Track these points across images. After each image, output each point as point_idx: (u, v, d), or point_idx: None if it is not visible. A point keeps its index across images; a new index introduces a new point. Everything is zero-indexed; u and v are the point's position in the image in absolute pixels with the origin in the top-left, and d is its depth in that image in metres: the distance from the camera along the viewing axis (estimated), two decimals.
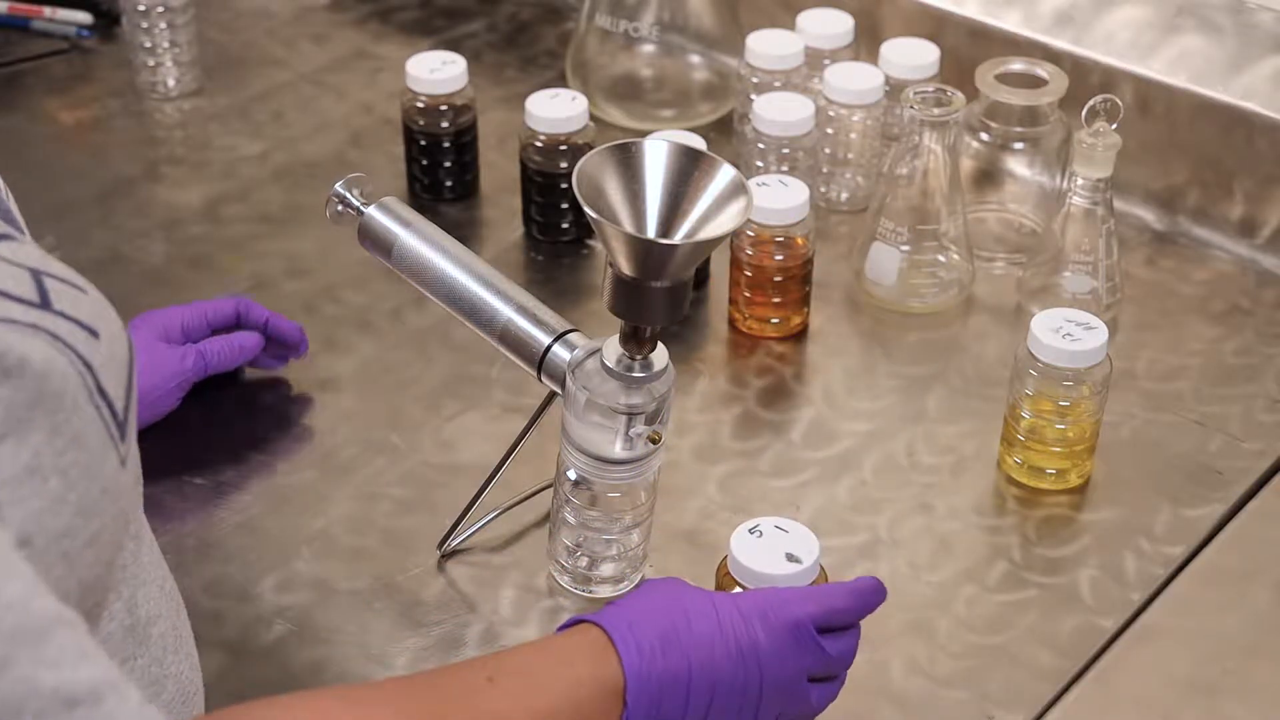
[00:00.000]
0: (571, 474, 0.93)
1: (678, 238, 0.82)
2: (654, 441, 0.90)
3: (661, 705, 0.75)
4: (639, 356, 0.87)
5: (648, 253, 0.82)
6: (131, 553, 0.69)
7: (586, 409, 0.89)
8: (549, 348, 0.91)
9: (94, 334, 0.59)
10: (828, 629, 0.80)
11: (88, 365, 0.58)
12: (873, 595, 0.82)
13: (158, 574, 0.72)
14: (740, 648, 0.77)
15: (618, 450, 0.90)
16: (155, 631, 0.69)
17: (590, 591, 0.97)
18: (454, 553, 1.00)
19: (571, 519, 0.95)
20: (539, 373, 0.92)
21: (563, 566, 0.97)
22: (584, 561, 0.96)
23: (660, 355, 0.88)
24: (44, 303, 0.58)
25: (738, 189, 0.83)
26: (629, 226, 0.82)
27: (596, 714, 0.74)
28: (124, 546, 0.62)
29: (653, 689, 0.75)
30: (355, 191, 0.98)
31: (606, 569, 0.97)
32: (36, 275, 0.59)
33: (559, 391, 0.92)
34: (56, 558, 0.56)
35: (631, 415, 0.88)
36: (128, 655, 0.67)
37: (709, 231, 0.82)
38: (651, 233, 0.82)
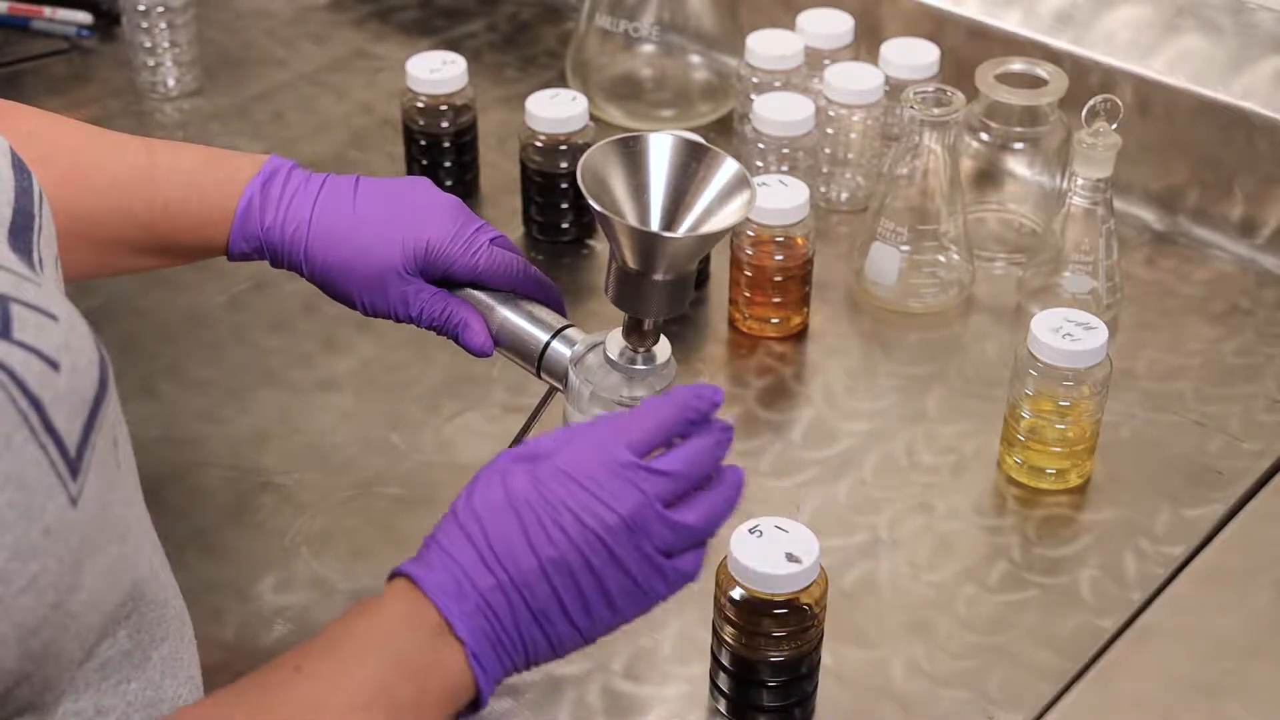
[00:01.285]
0: None
1: (681, 231, 0.83)
2: None
3: (502, 621, 0.70)
4: (642, 349, 0.87)
5: (651, 245, 0.82)
6: (147, 579, 0.68)
7: (590, 402, 0.89)
8: (548, 344, 0.91)
9: (53, 365, 0.57)
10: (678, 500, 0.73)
11: (35, 401, 0.56)
12: (695, 400, 0.75)
13: (171, 595, 0.72)
14: (551, 519, 0.70)
15: None
16: (156, 655, 0.68)
17: None
18: None
19: None
20: (538, 370, 0.92)
21: None
22: None
23: (663, 348, 0.88)
24: (3, 330, 0.57)
25: (741, 183, 0.83)
26: (632, 219, 0.82)
27: (427, 658, 0.69)
28: (79, 588, 0.60)
29: (482, 614, 0.70)
30: None
31: None
32: (4, 301, 0.58)
33: (559, 388, 0.92)
34: None
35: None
36: (121, 679, 0.66)
37: (712, 225, 0.83)
38: (655, 225, 0.83)
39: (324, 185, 0.93)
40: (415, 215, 0.91)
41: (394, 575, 0.72)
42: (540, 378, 0.93)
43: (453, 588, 0.70)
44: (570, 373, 0.89)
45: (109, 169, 0.91)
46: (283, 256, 0.92)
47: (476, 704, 0.71)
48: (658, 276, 0.83)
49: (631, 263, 0.83)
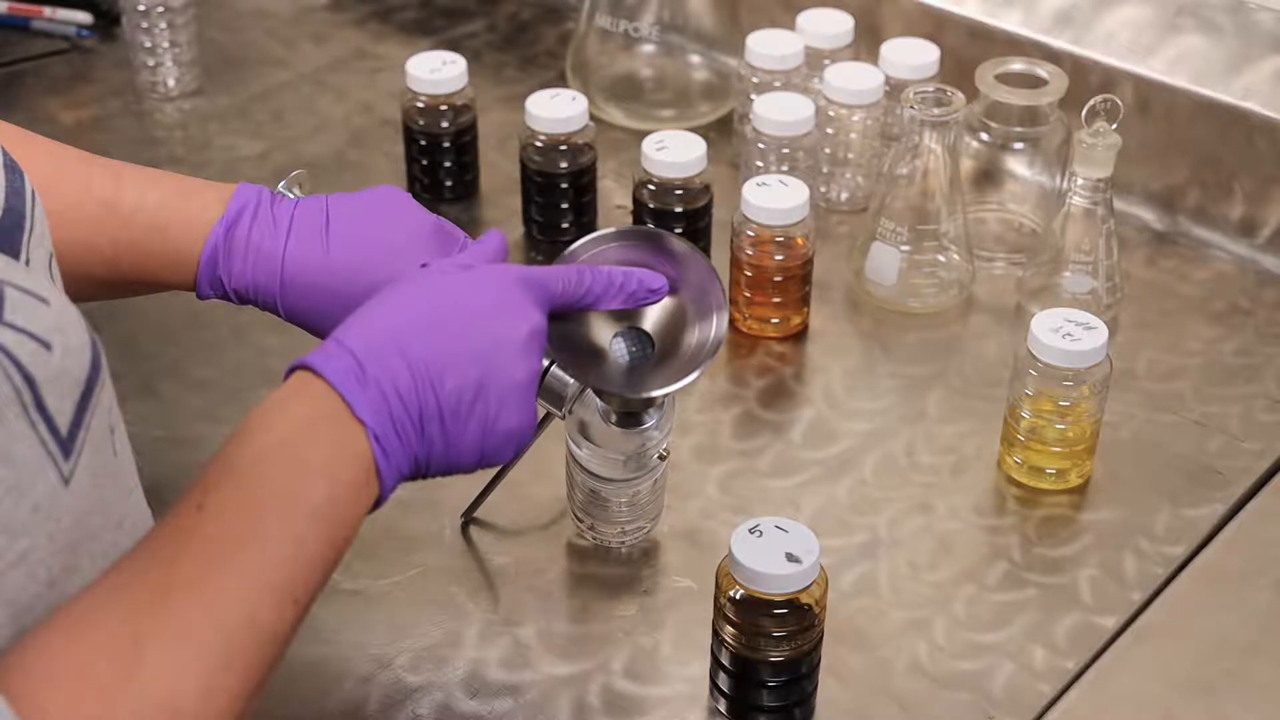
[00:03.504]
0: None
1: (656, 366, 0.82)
2: (661, 459, 0.91)
3: (407, 405, 0.72)
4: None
5: (629, 403, 0.81)
6: None
7: (590, 440, 0.89)
8: (547, 369, 0.87)
9: (46, 346, 0.58)
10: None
11: (28, 379, 0.57)
12: (634, 284, 0.82)
13: None
14: (469, 311, 0.76)
15: (623, 473, 0.91)
16: None
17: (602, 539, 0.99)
18: (455, 549, 1.00)
19: (579, 479, 0.96)
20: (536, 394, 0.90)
21: (578, 519, 1.00)
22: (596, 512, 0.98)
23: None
24: None
25: (709, 277, 0.82)
26: (610, 380, 0.81)
27: (328, 451, 0.70)
28: (76, 569, 0.60)
29: (384, 399, 0.72)
30: (297, 190, 0.94)
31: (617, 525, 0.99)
32: None
33: (557, 414, 0.89)
34: None
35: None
36: None
37: (690, 337, 0.82)
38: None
39: (292, 225, 0.88)
40: (392, 255, 0.88)
41: (291, 371, 0.73)
42: (539, 401, 0.90)
43: (351, 368, 0.71)
44: (570, 408, 0.89)
45: (76, 201, 0.88)
46: (255, 303, 0.90)
47: (379, 500, 0.73)
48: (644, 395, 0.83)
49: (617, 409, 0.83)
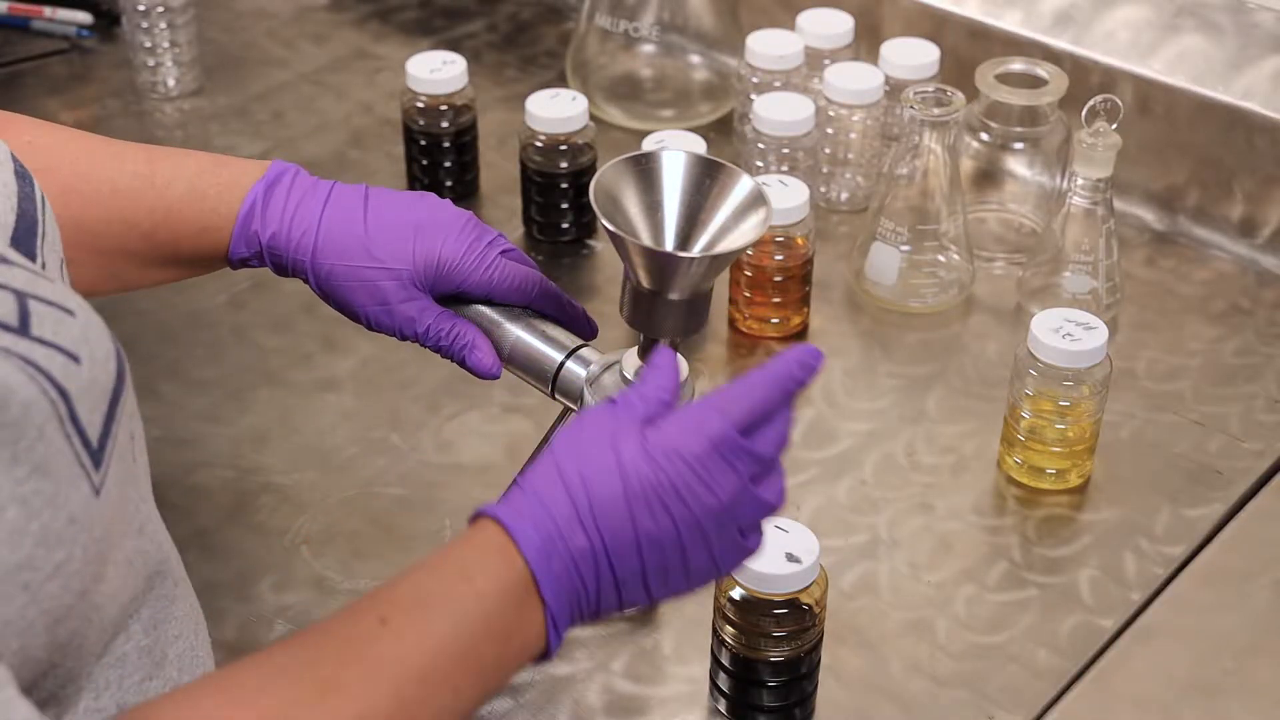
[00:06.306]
0: None
1: (695, 250, 0.82)
2: None
3: (586, 585, 0.71)
4: None
5: (665, 265, 0.81)
6: (162, 575, 0.69)
7: None
8: (562, 364, 0.89)
9: (74, 359, 0.58)
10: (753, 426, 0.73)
11: (62, 392, 0.57)
12: (799, 372, 0.73)
13: (183, 591, 0.72)
14: (659, 497, 0.70)
15: None
16: (173, 652, 0.69)
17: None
18: None
19: None
20: (551, 391, 0.90)
21: None
22: None
23: (681, 367, 0.87)
24: (22, 327, 0.57)
25: (756, 200, 0.82)
26: (647, 239, 0.81)
27: (511, 619, 0.69)
28: (104, 578, 0.61)
29: (569, 577, 0.70)
30: None
31: None
32: (21, 298, 0.58)
33: (574, 409, 0.89)
34: (16, 589, 0.55)
35: None
36: (144, 676, 0.66)
37: (727, 244, 0.81)
38: (670, 245, 0.82)
39: (332, 191, 0.91)
40: (428, 227, 0.89)
41: (479, 515, 0.71)
42: (554, 399, 0.90)
43: (544, 545, 0.69)
44: (585, 394, 0.88)
45: (110, 177, 0.90)
46: (287, 262, 0.90)
47: (543, 656, 0.72)
48: (673, 296, 0.82)
49: (646, 283, 0.82)
